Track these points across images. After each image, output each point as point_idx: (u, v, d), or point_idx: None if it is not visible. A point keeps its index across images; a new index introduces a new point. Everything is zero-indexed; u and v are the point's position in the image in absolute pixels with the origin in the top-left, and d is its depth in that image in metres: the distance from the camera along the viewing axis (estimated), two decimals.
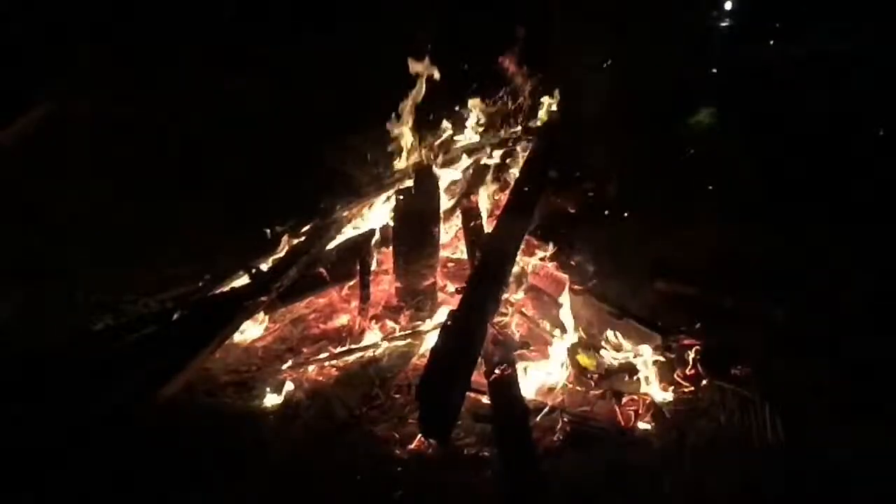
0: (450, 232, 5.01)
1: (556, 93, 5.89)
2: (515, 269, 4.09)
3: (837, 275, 4.37)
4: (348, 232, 4.88)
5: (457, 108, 5.59)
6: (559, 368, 3.67)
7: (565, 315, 3.87)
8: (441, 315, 4.02)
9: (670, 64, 6.81)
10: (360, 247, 4.56)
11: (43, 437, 2.87)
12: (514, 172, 5.26)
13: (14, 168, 5.51)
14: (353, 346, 3.94)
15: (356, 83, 6.69)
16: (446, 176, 5.17)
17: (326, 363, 3.81)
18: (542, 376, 3.64)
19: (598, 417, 3.33)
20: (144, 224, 5.05)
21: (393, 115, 4.88)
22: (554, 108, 5.92)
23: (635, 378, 3.57)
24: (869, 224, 5.01)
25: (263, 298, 3.92)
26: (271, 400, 3.48)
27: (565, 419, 3.23)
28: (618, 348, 3.77)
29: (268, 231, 4.73)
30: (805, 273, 4.47)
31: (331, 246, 4.64)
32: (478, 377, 3.30)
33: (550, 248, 4.49)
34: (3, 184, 5.24)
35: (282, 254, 4.45)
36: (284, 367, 3.79)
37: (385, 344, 3.92)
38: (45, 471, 2.73)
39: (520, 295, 4.22)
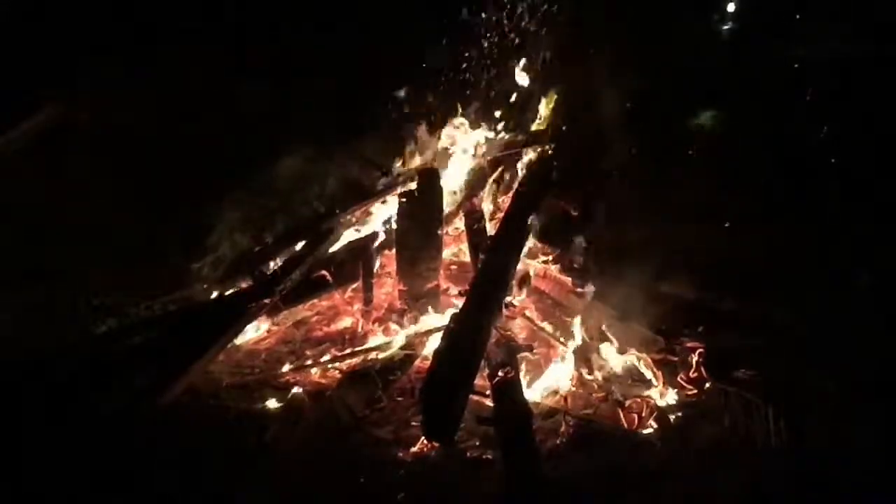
0: (453, 234, 5.01)
1: (559, 95, 5.90)
2: (518, 272, 4.09)
3: (839, 276, 4.36)
4: (352, 235, 4.89)
5: (460, 111, 5.60)
6: (563, 371, 3.66)
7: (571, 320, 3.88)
8: (444, 317, 4.02)
9: (672, 66, 6.81)
10: (363, 249, 4.56)
11: (46, 438, 2.88)
12: (518, 175, 5.26)
13: (18, 172, 5.52)
14: (356, 349, 3.94)
15: (359, 84, 6.69)
16: (449, 178, 5.18)
17: (329, 366, 3.82)
18: (545, 379, 3.64)
19: (602, 420, 3.32)
20: (147, 227, 5.05)
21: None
22: (556, 110, 5.93)
23: (638, 381, 3.57)
24: (870, 225, 5.00)
25: (267, 301, 3.92)
26: (274, 402, 3.48)
27: (569, 422, 3.23)
28: (621, 351, 3.77)
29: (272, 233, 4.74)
30: (807, 275, 4.46)
31: (334, 249, 4.65)
32: (481, 380, 3.31)
33: (553, 251, 4.49)
34: (7, 188, 5.25)
35: (285, 256, 4.46)
36: (287, 369, 3.79)
37: (388, 346, 3.92)
38: (47, 471, 2.74)
39: (523, 297, 4.22)
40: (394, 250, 4.47)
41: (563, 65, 6.16)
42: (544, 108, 5.95)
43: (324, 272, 4.38)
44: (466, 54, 6.03)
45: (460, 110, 5.76)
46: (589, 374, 3.65)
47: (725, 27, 8.48)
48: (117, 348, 3.63)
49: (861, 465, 2.91)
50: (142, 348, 3.59)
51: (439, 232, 4.33)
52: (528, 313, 4.14)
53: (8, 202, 5.07)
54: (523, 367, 3.55)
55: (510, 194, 5.07)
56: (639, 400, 3.44)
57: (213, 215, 5.11)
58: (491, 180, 5.21)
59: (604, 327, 3.91)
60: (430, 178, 4.47)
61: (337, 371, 3.79)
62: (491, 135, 5.66)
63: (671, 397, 3.48)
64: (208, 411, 3.40)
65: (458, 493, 2.88)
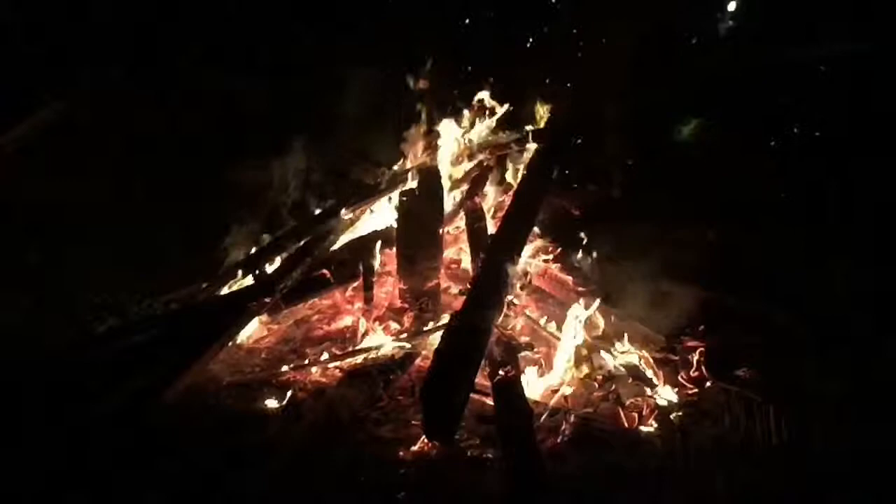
0: (453, 233, 5.01)
1: (558, 94, 5.90)
2: (519, 271, 4.09)
3: (838, 275, 4.36)
4: (352, 233, 4.89)
5: (463, 109, 5.60)
6: (563, 371, 3.66)
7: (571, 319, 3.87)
8: (445, 316, 4.02)
9: (673, 65, 6.82)
10: (363, 248, 4.56)
11: (46, 438, 2.88)
12: (519, 174, 5.26)
13: (18, 171, 5.52)
14: (356, 348, 3.94)
15: (359, 83, 6.70)
16: (450, 177, 5.18)
17: (330, 364, 3.82)
18: (546, 378, 3.64)
19: (602, 419, 3.32)
20: (148, 225, 5.06)
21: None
22: (556, 109, 5.93)
23: (639, 380, 3.57)
24: (870, 224, 5.01)
25: (267, 300, 3.92)
26: (274, 402, 3.48)
27: (569, 421, 3.23)
28: (622, 350, 3.77)
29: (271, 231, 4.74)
30: (807, 274, 4.47)
31: (335, 247, 4.64)
32: (482, 379, 3.31)
33: (554, 250, 4.49)
34: (7, 187, 5.25)
35: (286, 255, 4.46)
36: (288, 368, 3.79)
37: (389, 345, 3.92)
38: (47, 471, 2.74)
39: (524, 296, 4.22)
40: (394, 249, 4.47)
41: (564, 64, 6.16)
42: (544, 107, 5.95)
43: (324, 271, 4.37)
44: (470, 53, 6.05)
45: (463, 109, 5.76)
46: (590, 372, 3.64)
47: (725, 26, 8.48)
48: (117, 348, 3.62)
49: (861, 465, 2.92)
50: (142, 348, 3.58)
51: (440, 231, 4.32)
52: (528, 312, 4.13)
53: (8, 201, 5.08)
54: (524, 366, 3.54)
55: (510, 194, 5.06)
56: (639, 399, 3.44)
57: (214, 214, 5.12)
58: (491, 179, 5.21)
59: (605, 326, 3.92)
60: (430, 176, 4.46)
61: (337, 370, 3.79)
62: (492, 133, 5.65)
63: (671, 396, 3.48)
64: (208, 411, 3.40)
65: (459, 493, 2.88)
